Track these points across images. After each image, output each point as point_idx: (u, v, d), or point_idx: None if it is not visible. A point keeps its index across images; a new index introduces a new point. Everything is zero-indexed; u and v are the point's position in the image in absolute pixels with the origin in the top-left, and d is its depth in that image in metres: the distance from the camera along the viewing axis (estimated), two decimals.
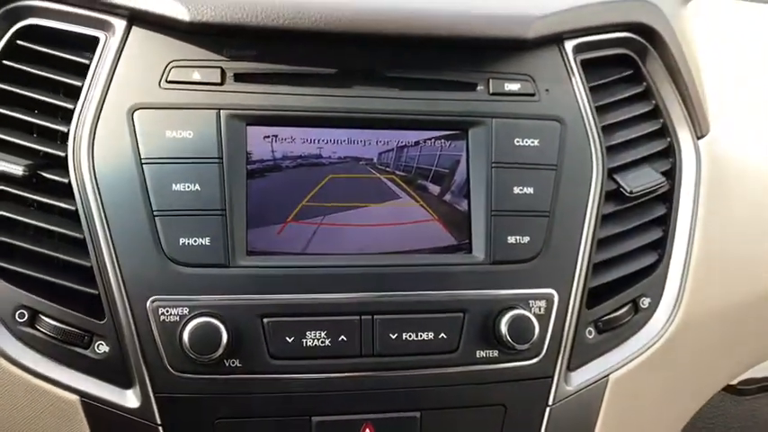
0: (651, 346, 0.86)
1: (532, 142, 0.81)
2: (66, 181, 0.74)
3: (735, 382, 1.17)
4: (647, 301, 0.87)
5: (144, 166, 0.73)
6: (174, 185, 0.73)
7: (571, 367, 0.83)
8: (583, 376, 0.84)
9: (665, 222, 0.88)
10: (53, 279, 0.73)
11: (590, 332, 0.84)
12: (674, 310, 0.87)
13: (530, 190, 0.80)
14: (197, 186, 0.74)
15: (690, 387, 0.95)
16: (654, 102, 0.90)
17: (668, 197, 0.89)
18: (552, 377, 0.81)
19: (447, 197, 0.80)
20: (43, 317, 0.73)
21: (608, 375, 0.84)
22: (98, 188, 0.73)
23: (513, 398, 0.81)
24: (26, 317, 0.73)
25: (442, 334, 0.77)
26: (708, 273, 0.88)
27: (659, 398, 0.90)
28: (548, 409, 0.82)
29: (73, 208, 0.73)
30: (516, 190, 0.80)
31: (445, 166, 0.80)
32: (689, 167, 0.89)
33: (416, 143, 0.80)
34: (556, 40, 0.84)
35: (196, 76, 0.76)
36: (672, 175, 0.89)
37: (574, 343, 0.82)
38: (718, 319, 0.92)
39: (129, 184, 0.73)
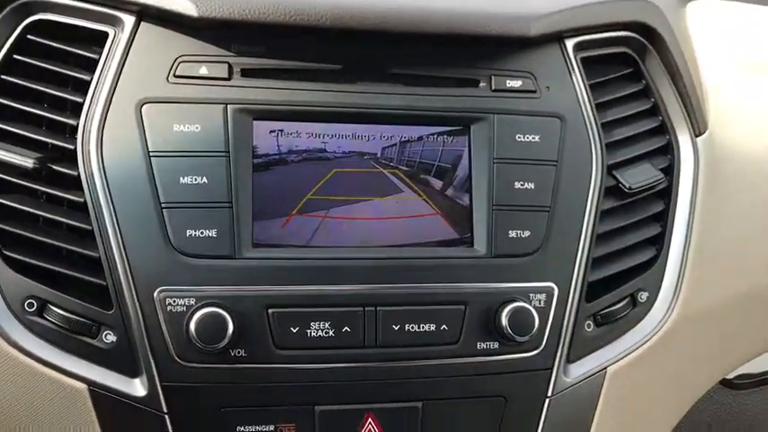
0: (648, 340, 0.87)
1: (533, 138, 0.82)
2: (75, 173, 0.74)
3: (731, 376, 1.18)
4: (645, 296, 0.88)
5: (152, 159, 0.74)
6: (181, 178, 0.74)
7: (570, 359, 0.84)
8: (581, 368, 0.84)
9: (664, 218, 0.89)
10: (62, 269, 0.74)
11: (589, 325, 0.85)
12: (671, 304, 0.88)
13: (530, 185, 0.81)
14: (204, 179, 0.74)
15: (686, 380, 0.95)
16: (653, 99, 0.90)
17: (666, 193, 0.89)
18: (551, 369, 0.82)
19: (449, 192, 0.81)
20: (52, 307, 0.74)
21: (606, 368, 0.85)
22: (106, 180, 0.73)
23: (513, 389, 0.82)
24: (35, 306, 0.74)
25: (444, 326, 0.78)
26: (705, 268, 0.89)
27: (656, 390, 0.91)
28: (547, 401, 0.83)
29: (81, 200, 0.74)
30: (517, 185, 0.81)
31: (447, 161, 0.81)
32: (687, 164, 0.89)
33: (419, 138, 0.81)
34: (557, 38, 0.85)
35: (203, 70, 0.76)
36: (670, 171, 0.90)
37: (573, 336, 0.83)
38: (714, 314, 0.93)
39: (137, 176, 0.74)
